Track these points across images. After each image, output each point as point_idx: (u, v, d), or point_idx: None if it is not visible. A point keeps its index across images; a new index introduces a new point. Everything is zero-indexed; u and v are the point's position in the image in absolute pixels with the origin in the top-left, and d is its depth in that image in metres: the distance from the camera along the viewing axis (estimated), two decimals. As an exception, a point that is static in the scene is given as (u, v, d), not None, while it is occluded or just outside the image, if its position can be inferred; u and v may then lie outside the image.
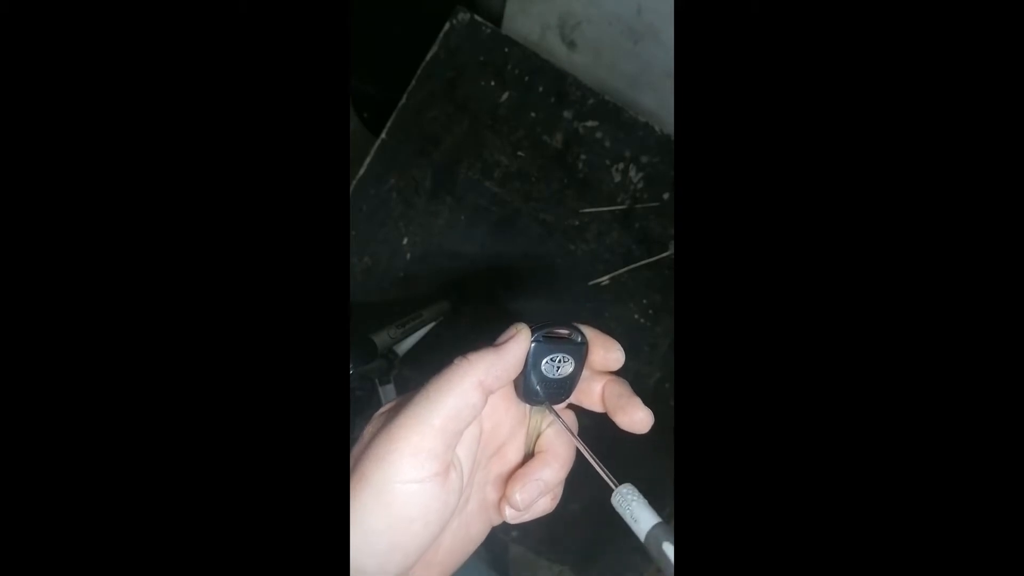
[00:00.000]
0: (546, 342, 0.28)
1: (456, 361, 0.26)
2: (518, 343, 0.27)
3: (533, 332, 0.27)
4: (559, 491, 0.30)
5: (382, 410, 0.28)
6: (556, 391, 0.29)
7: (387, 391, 0.61)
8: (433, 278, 0.72)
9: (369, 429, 0.27)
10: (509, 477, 0.29)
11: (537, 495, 0.29)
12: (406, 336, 0.61)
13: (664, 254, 0.73)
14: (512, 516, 0.29)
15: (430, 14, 0.75)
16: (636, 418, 0.28)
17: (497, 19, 0.78)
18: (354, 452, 0.26)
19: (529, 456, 0.30)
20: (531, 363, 0.28)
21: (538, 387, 0.28)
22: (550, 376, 0.28)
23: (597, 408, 0.30)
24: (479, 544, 0.30)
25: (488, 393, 0.26)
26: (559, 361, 0.28)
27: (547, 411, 0.30)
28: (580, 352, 0.28)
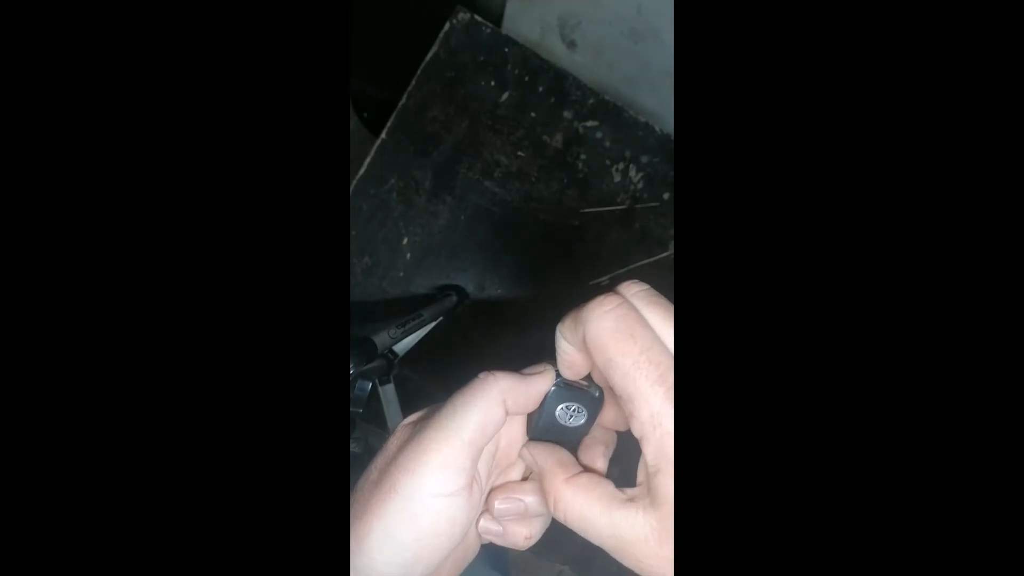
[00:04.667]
0: (565, 389, 0.28)
1: (481, 375, 0.27)
2: (542, 378, 0.28)
3: (556, 376, 0.28)
4: (536, 530, 0.29)
5: (407, 421, 0.28)
6: (564, 440, 0.29)
7: (387, 391, 0.61)
8: (433, 278, 0.72)
9: (395, 440, 0.27)
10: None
11: (514, 513, 0.28)
12: (406, 336, 0.61)
13: (664, 254, 0.73)
14: (484, 528, 0.29)
15: (430, 14, 0.75)
16: None
17: (497, 19, 0.78)
18: (379, 462, 0.26)
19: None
20: (547, 407, 0.28)
21: (548, 432, 0.29)
22: (562, 423, 0.28)
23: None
24: (473, 557, 0.30)
25: (507, 412, 0.27)
26: (573, 411, 0.28)
27: None
28: (595, 406, 0.29)
